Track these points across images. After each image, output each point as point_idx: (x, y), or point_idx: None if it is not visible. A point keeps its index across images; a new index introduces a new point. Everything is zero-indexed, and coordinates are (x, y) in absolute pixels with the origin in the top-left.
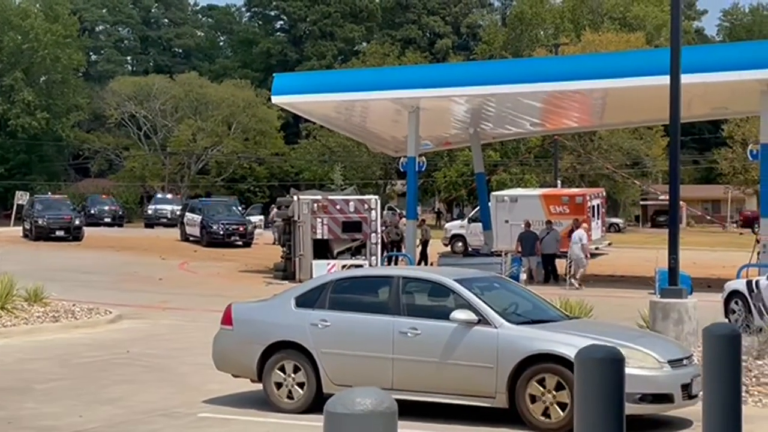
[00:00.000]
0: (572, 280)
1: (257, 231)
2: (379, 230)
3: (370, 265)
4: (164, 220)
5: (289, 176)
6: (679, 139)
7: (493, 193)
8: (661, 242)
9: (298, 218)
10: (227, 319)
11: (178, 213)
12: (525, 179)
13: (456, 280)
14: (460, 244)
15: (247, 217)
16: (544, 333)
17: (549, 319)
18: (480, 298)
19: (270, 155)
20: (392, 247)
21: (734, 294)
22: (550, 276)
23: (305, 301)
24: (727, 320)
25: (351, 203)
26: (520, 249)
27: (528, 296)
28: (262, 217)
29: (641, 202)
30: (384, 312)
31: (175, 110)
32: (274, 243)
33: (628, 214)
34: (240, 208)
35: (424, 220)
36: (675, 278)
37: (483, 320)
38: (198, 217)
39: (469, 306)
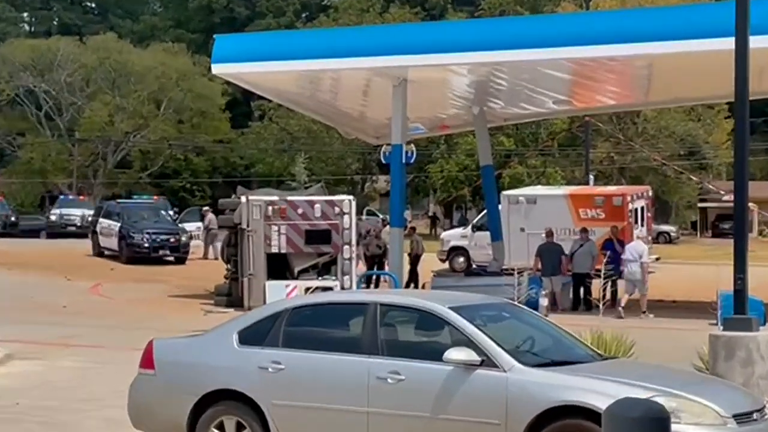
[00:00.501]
0: (620, 308)
1: (194, 243)
2: (354, 241)
3: (342, 287)
4: (72, 229)
5: (237, 170)
6: (748, 122)
7: (505, 192)
8: (725, 257)
9: (247, 226)
10: (147, 361)
11: (90, 219)
12: (547, 174)
13: (452, 308)
14: (461, 259)
15: (180, 225)
16: (569, 378)
17: (575, 359)
18: (484, 332)
19: (212, 143)
20: (373, 263)
21: None
22: (581, 302)
23: (252, 336)
24: None
25: (317, 206)
26: (539, 266)
27: (548, 329)
28: (200, 224)
29: (699, 204)
30: (356, 351)
31: (86, 84)
32: (205, 257)
33: (682, 220)
34: (172, 213)
35: (414, 228)
36: (743, 304)
37: (487, 361)
38: (116, 225)
39: (469, 342)
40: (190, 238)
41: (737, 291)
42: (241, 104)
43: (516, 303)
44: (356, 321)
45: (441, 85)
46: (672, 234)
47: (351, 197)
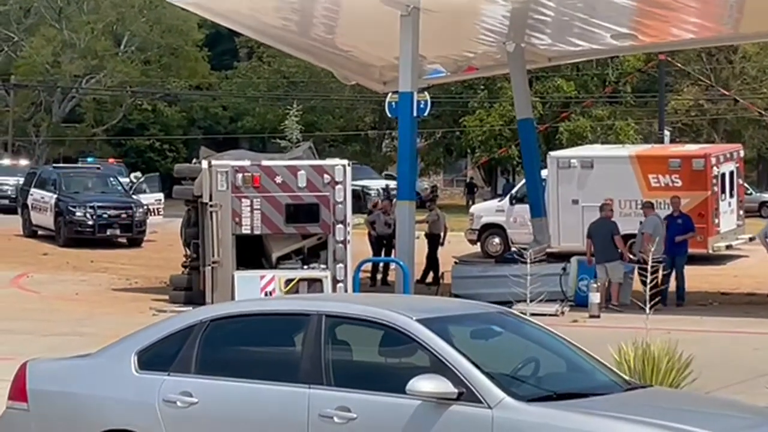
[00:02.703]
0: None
1: (153, 220)
2: (350, 218)
3: (335, 278)
4: (5, 202)
5: (220, 124)
6: None
7: (553, 153)
8: None
9: (210, 200)
10: (18, 391)
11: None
12: (617, 128)
13: (421, 321)
14: (496, 240)
15: (135, 196)
16: (576, 418)
17: (589, 390)
18: (463, 354)
19: (188, 89)
20: (381, 247)
21: None
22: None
23: (156, 358)
24: None
25: (301, 173)
26: (592, 250)
27: (559, 348)
28: (161, 195)
29: None
30: (294, 379)
31: (23, 14)
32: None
33: None
34: (127, 181)
35: (434, 199)
36: None
37: (467, 394)
38: (51, 197)
39: (443, 368)
40: (148, 213)
41: None
42: (225, 39)
43: (514, 312)
44: (294, 338)
45: (465, 15)
46: None
47: (345, 162)
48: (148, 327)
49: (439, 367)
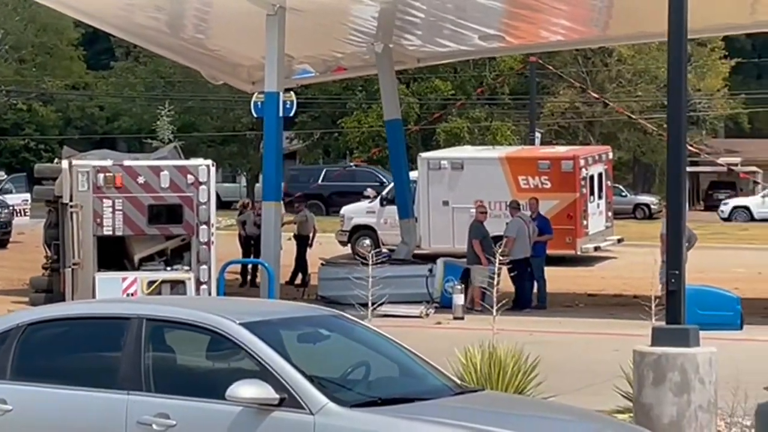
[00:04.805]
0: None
1: (18, 220)
2: (214, 219)
3: (198, 280)
4: None
5: (97, 124)
6: (685, 59)
7: (423, 155)
8: (719, 236)
9: (71, 200)
10: None
11: None
12: (493, 129)
13: (245, 325)
14: (367, 241)
15: (0, 197)
16: (398, 423)
17: (420, 394)
18: (287, 359)
19: (64, 88)
20: (250, 247)
21: None
22: (527, 297)
23: None
24: None
25: (164, 174)
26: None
27: (391, 351)
28: (28, 196)
29: (689, 169)
30: (112, 385)
31: None
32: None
33: (666, 189)
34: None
35: (303, 200)
36: (677, 310)
37: (290, 399)
38: None
39: (265, 373)
40: (13, 214)
41: (671, 292)
42: (101, 39)
43: (345, 315)
44: (113, 343)
45: (333, 14)
46: (652, 207)
47: (209, 162)
48: None
49: (261, 372)
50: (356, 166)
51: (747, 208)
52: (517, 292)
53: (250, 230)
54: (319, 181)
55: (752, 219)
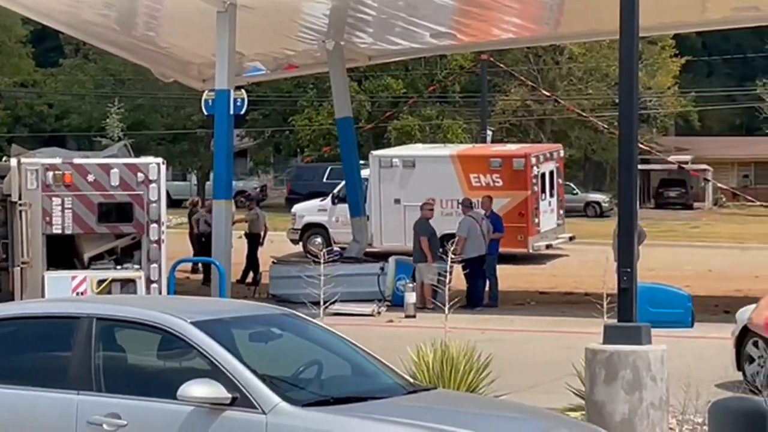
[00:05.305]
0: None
1: None
2: (164, 218)
3: (149, 278)
4: None
5: (46, 122)
6: (636, 57)
7: (375, 153)
8: (668, 234)
9: (19, 198)
10: None
11: None
12: (445, 127)
13: (196, 324)
14: (318, 240)
15: None
16: (350, 422)
17: (373, 393)
18: (238, 358)
19: (11, 86)
20: (202, 245)
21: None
22: (478, 296)
23: None
24: (742, 377)
25: (114, 172)
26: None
27: (344, 350)
28: None
29: (640, 167)
30: (62, 385)
31: None
32: None
33: (617, 187)
34: None
35: (251, 197)
36: (629, 308)
37: (241, 399)
38: None
39: (217, 372)
40: None
41: (622, 290)
42: (50, 36)
43: (298, 314)
44: (63, 343)
45: (284, 12)
46: (604, 204)
47: (160, 160)
48: None
49: (213, 371)
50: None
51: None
52: (470, 290)
53: (202, 228)
54: (324, 179)
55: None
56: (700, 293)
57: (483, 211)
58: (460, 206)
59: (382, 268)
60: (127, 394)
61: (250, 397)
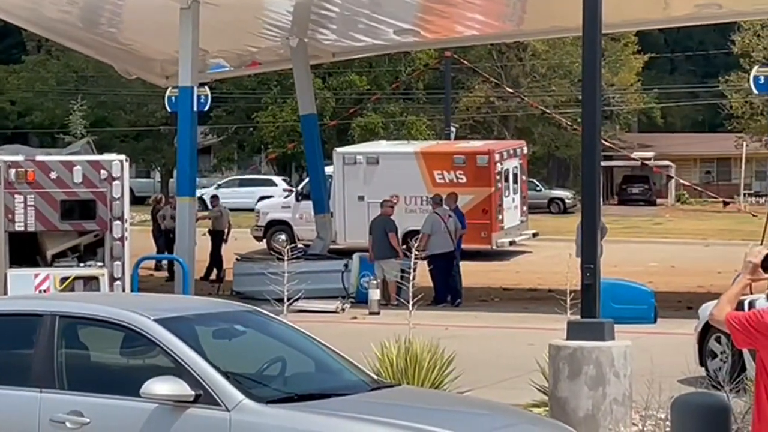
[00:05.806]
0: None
1: None
2: (127, 215)
3: (112, 276)
4: None
5: (8, 119)
6: (600, 53)
7: (339, 150)
8: (631, 231)
9: None
10: None
11: None
12: (408, 124)
13: (159, 321)
14: (282, 237)
15: None
16: (314, 419)
17: (336, 390)
18: (202, 355)
19: None
20: (167, 242)
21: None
22: (444, 292)
23: None
24: (704, 373)
25: (76, 169)
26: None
27: (307, 347)
28: None
29: (603, 163)
30: (25, 383)
31: None
32: None
33: (580, 183)
34: None
35: (216, 197)
36: (592, 304)
37: (205, 396)
38: None
39: (180, 369)
40: None
41: (586, 286)
42: (12, 33)
43: (261, 311)
44: (25, 340)
45: (247, 9)
46: (567, 201)
47: (122, 157)
48: None
49: (176, 368)
50: None
51: None
52: (435, 287)
53: (168, 224)
54: None
55: None
56: (663, 289)
57: (448, 208)
58: (426, 203)
59: (346, 265)
60: (90, 391)
61: (213, 394)
